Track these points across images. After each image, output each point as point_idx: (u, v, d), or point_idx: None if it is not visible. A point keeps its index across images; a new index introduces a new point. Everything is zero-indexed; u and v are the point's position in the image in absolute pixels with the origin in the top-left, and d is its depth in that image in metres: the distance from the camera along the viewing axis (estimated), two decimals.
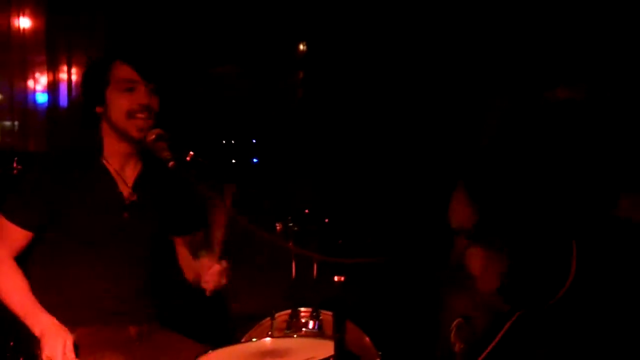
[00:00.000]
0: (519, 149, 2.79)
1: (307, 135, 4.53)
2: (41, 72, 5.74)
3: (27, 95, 5.76)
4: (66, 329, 2.43)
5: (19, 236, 2.55)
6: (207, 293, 2.62)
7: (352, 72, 4.60)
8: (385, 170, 4.00)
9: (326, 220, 2.43)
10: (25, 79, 5.73)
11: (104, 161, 2.61)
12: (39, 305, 2.48)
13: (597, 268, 2.55)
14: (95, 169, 2.60)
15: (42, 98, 5.81)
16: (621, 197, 2.66)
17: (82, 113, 2.61)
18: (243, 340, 2.79)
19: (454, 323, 2.67)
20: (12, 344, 3.39)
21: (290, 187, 3.91)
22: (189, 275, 2.81)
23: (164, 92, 2.58)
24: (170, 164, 2.33)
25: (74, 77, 5.78)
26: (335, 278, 1.91)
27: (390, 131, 4.16)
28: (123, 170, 2.63)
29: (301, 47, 5.45)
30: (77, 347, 2.44)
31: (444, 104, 3.88)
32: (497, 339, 2.54)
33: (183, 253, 2.84)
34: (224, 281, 2.61)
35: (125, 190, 2.62)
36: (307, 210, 2.50)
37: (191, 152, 2.35)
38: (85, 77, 2.63)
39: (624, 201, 2.66)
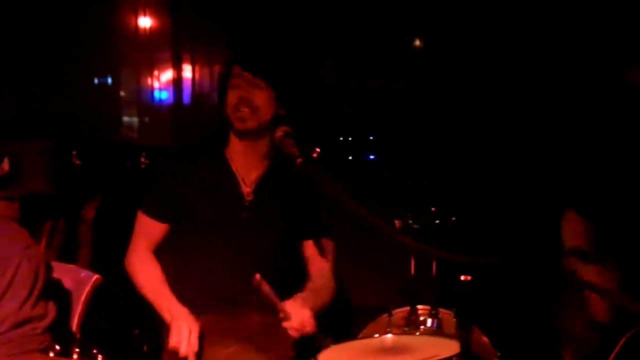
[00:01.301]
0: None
1: (438, 134, 4.49)
2: (166, 70, 5.95)
3: (152, 92, 5.98)
4: (194, 319, 2.50)
5: (156, 229, 2.66)
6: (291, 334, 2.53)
7: (476, 69, 4.54)
8: (514, 171, 3.94)
9: (453, 218, 2.41)
10: (150, 77, 5.95)
11: (229, 160, 2.67)
12: (172, 296, 2.58)
13: None
14: (220, 167, 2.66)
15: (166, 95, 6.02)
16: None
17: (219, 115, 2.67)
18: (360, 336, 2.79)
19: (568, 346, 2.60)
20: (136, 332, 3.54)
21: (411, 184, 3.90)
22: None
23: (279, 87, 2.61)
24: (298, 160, 2.35)
25: (197, 75, 5.95)
26: (462, 277, 1.90)
27: (518, 132, 4.10)
28: (246, 170, 2.67)
29: (417, 42, 5.43)
30: (202, 336, 2.51)
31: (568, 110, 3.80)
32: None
33: (309, 257, 2.83)
34: (309, 329, 2.51)
35: (246, 190, 2.67)
36: (433, 208, 2.48)
37: (317, 149, 2.37)
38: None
39: None
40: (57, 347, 1.76)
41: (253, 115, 2.57)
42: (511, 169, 4.11)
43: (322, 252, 2.80)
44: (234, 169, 2.67)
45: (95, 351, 1.71)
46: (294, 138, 2.44)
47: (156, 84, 5.98)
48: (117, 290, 2.82)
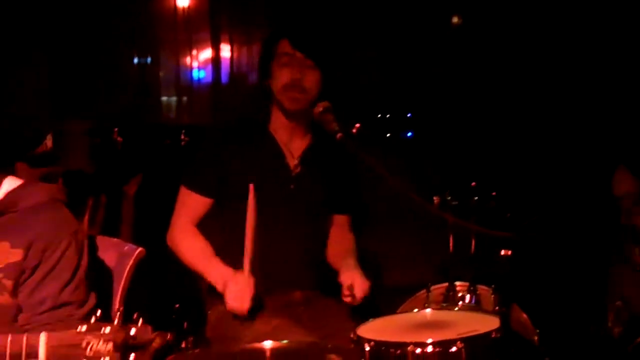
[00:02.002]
0: None
1: (477, 110, 4.46)
2: (204, 50, 5.99)
3: (191, 72, 6.04)
4: (247, 276, 2.50)
5: (199, 204, 2.68)
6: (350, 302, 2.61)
7: (519, 41, 4.49)
8: (555, 147, 3.91)
9: (493, 193, 2.40)
10: (189, 56, 6.00)
11: (273, 133, 2.69)
12: (219, 261, 2.61)
13: None
14: (264, 140, 2.68)
15: (205, 74, 6.06)
16: None
17: (259, 86, 2.69)
18: (398, 311, 2.80)
19: (614, 306, 2.61)
20: (177, 306, 3.58)
21: (451, 161, 3.89)
22: (329, 256, 2.85)
23: (326, 68, 2.61)
24: (338, 135, 2.36)
25: (235, 54, 5.98)
26: (502, 252, 1.89)
27: (557, 106, 4.05)
28: (291, 142, 2.69)
29: (455, 20, 5.38)
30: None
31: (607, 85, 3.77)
32: None
33: (334, 231, 2.87)
34: (363, 295, 2.59)
35: (292, 162, 2.69)
36: (473, 183, 2.47)
37: (357, 125, 2.38)
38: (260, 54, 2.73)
39: None
40: (99, 313, 1.80)
41: (304, 97, 2.58)
42: (555, 139, 4.09)
43: (349, 227, 2.85)
44: (279, 142, 2.69)
45: (135, 316, 1.74)
46: (333, 113, 2.45)
47: (195, 64, 6.02)
48: (158, 266, 2.85)
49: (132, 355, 1.69)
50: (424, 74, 4.95)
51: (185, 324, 3.36)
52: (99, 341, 1.70)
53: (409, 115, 4.85)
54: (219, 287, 2.55)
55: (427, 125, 4.73)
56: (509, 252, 1.90)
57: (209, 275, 2.60)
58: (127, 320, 1.75)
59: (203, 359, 2.33)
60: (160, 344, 1.70)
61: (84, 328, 1.72)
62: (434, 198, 2.77)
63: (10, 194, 2.09)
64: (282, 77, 2.60)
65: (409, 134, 4.86)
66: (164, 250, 2.73)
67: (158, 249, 2.71)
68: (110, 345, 1.69)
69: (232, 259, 2.64)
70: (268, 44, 2.68)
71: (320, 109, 2.47)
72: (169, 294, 3.59)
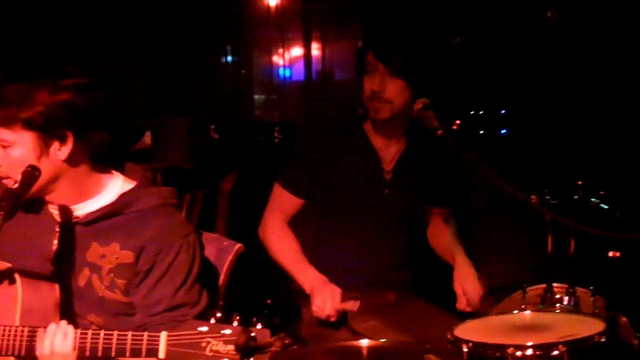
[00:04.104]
0: None
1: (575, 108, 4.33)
2: (296, 48, 6.05)
3: (283, 70, 6.10)
4: (334, 285, 2.54)
5: (291, 202, 2.70)
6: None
7: (616, 40, 4.35)
8: None
9: (602, 192, 2.32)
10: (282, 55, 6.07)
11: (369, 137, 2.67)
12: (308, 264, 2.64)
13: None
14: (361, 144, 2.67)
15: (297, 72, 6.12)
16: None
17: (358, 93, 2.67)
18: (494, 312, 2.76)
19: None
20: (269, 302, 3.61)
21: (551, 159, 3.79)
22: (432, 244, 2.87)
23: (411, 77, 2.53)
24: (439, 132, 2.32)
25: (327, 52, 6.01)
26: (610, 254, 1.83)
27: None
28: (386, 146, 2.68)
29: (550, 14, 5.25)
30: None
31: None
32: None
33: (434, 222, 2.87)
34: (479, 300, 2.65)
35: (387, 167, 2.68)
36: (580, 182, 2.40)
37: (457, 121, 2.35)
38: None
39: None
40: (219, 315, 1.80)
41: (386, 107, 2.54)
42: None
43: (450, 216, 2.85)
44: (374, 145, 2.67)
45: (255, 319, 1.74)
46: (433, 110, 2.42)
47: (287, 62, 6.08)
48: (251, 261, 2.89)
49: (252, 359, 1.69)
50: (518, 70, 4.86)
51: (278, 319, 3.39)
52: (220, 342, 1.71)
53: (503, 112, 4.76)
54: (307, 290, 2.59)
55: (522, 123, 4.64)
56: (618, 254, 1.83)
57: (298, 277, 2.64)
58: (226, 316, 1.75)
59: (300, 356, 2.35)
60: (280, 347, 1.70)
61: (204, 328, 1.73)
62: (532, 197, 2.71)
63: (123, 196, 2.12)
64: (365, 88, 2.57)
65: (503, 131, 4.78)
66: (257, 246, 2.76)
67: (251, 245, 2.73)
68: (231, 347, 1.70)
69: (324, 257, 2.68)
70: (360, 52, 2.63)
71: (420, 105, 2.44)
72: (262, 289, 3.62)
